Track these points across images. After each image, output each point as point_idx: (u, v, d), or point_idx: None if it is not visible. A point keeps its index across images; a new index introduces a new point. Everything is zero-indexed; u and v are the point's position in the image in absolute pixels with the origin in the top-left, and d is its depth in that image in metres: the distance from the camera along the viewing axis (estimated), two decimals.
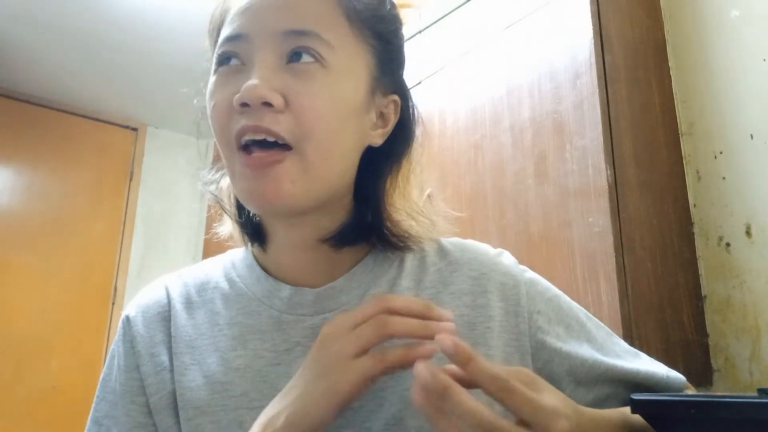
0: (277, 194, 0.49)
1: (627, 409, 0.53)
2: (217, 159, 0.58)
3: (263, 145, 0.49)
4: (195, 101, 0.61)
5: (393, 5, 0.58)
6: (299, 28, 0.50)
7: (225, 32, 0.52)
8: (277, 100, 0.48)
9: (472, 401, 0.39)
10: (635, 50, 1.27)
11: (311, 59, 0.50)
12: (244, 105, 0.48)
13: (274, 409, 0.45)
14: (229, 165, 0.52)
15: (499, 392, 0.40)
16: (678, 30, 1.35)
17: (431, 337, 0.43)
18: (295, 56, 0.50)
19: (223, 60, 0.52)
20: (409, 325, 0.45)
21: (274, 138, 0.49)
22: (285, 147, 0.49)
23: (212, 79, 0.53)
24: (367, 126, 0.55)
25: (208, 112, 0.53)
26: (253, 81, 0.48)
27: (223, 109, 0.50)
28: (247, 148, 0.50)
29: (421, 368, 0.40)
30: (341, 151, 0.52)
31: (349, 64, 0.52)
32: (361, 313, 0.46)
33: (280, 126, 0.48)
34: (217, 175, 0.61)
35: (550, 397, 0.43)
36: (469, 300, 0.56)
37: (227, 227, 0.63)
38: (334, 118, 0.51)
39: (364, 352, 0.44)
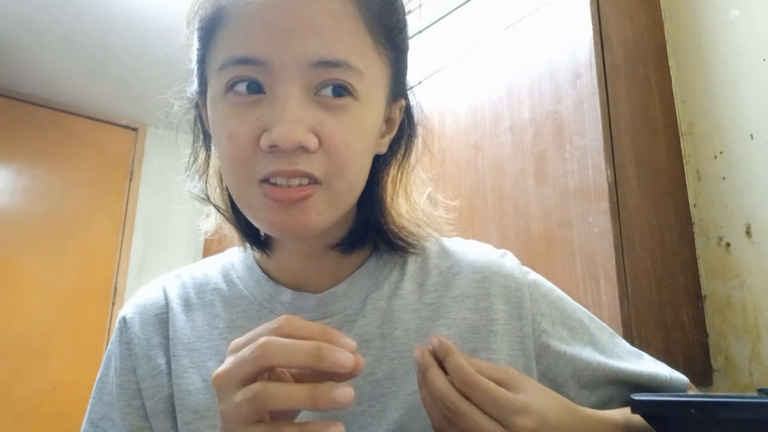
0: (305, 226, 0.47)
1: (629, 410, 0.53)
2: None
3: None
4: (175, 106, 0.58)
5: (404, 11, 0.55)
6: (330, 58, 0.45)
7: (236, 50, 0.46)
8: (313, 144, 0.45)
9: (444, 383, 0.44)
10: (635, 50, 1.27)
11: (343, 93, 0.46)
12: (274, 147, 0.45)
13: None
14: (241, 196, 0.49)
15: (462, 385, 0.43)
16: (678, 30, 1.35)
17: (326, 401, 0.36)
18: (325, 89, 0.46)
19: (237, 83, 0.46)
20: (294, 398, 0.36)
21: (307, 179, 0.46)
22: (312, 181, 0.47)
23: (221, 102, 0.48)
24: (378, 137, 0.54)
25: (219, 139, 0.49)
26: (286, 124, 0.44)
27: (244, 145, 0.46)
28: (268, 180, 0.47)
29: (415, 348, 0.46)
30: (363, 176, 0.52)
31: (375, 86, 0.49)
32: (248, 367, 0.37)
33: (314, 166, 0.46)
34: (200, 179, 0.59)
35: (528, 396, 0.44)
36: (471, 303, 0.56)
37: (213, 223, 0.61)
38: (364, 150, 0.49)
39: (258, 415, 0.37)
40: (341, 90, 0.46)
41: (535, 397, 0.45)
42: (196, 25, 0.50)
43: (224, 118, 0.47)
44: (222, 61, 0.47)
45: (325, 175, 0.47)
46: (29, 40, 2.51)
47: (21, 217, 2.87)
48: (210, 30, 0.49)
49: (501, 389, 0.44)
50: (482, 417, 0.42)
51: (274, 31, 0.45)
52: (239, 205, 0.51)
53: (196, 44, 0.51)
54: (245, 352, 0.37)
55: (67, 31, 2.44)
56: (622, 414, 0.54)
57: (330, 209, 0.48)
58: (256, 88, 0.46)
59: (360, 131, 0.48)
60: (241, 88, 0.46)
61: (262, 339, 0.37)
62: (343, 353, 0.36)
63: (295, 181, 0.46)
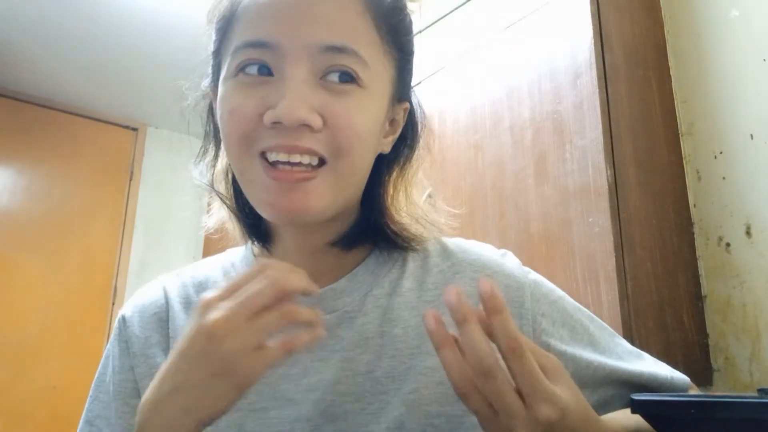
0: (304, 209, 0.48)
1: (638, 419, 0.52)
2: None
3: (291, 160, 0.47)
4: (189, 98, 0.60)
5: (410, 14, 0.57)
6: (337, 43, 0.47)
7: (247, 35, 0.48)
8: (317, 123, 0.46)
9: (485, 341, 0.39)
10: (635, 50, 1.27)
11: (349, 80, 0.48)
12: (277, 123, 0.46)
13: (172, 409, 0.40)
14: (243, 172, 0.50)
15: (509, 352, 0.39)
16: (678, 30, 1.35)
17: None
18: (332, 75, 0.48)
19: (247, 66, 0.48)
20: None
21: (309, 156, 0.47)
22: (318, 164, 0.48)
23: (230, 82, 0.50)
24: (381, 135, 0.55)
25: (222, 114, 0.50)
26: (291, 102, 0.45)
27: (246, 119, 0.47)
28: (267, 156, 0.48)
29: (450, 289, 0.40)
30: (366, 165, 0.52)
31: (379, 80, 0.51)
32: (254, 303, 0.39)
33: (319, 144, 0.47)
34: (207, 173, 0.59)
35: (561, 389, 0.42)
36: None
37: (216, 219, 0.62)
38: (367, 135, 0.50)
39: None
40: (347, 76, 0.48)
41: (566, 392, 0.42)
42: (215, 21, 0.53)
43: (230, 95, 0.49)
44: (235, 46, 0.49)
45: (330, 154, 0.48)
46: (29, 40, 2.51)
47: (21, 217, 2.87)
48: (226, 24, 0.51)
49: (539, 372, 0.40)
50: (511, 390, 0.39)
51: (285, 18, 0.47)
52: (242, 185, 0.52)
53: (213, 38, 0.54)
54: (266, 322, 0.39)
55: (67, 31, 2.44)
56: (635, 424, 0.53)
57: (331, 193, 0.49)
58: (265, 70, 0.48)
59: (363, 116, 0.49)
60: (252, 70, 0.48)
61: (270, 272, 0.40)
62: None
63: (296, 158, 0.47)
